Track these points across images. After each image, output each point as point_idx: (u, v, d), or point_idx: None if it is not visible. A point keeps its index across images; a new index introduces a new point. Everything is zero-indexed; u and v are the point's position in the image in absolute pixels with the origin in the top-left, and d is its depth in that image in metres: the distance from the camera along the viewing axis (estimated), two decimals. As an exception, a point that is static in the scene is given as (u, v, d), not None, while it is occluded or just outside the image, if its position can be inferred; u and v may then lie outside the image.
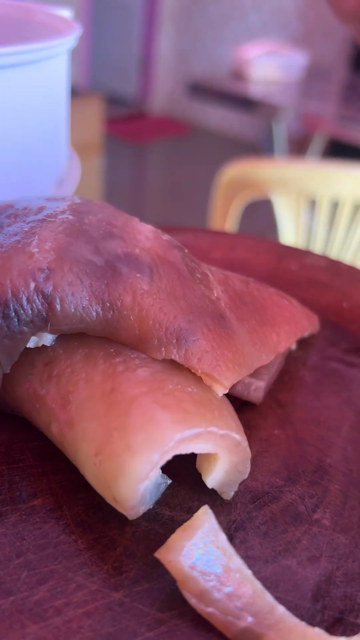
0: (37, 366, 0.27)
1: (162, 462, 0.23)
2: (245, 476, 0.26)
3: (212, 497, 0.27)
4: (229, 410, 0.26)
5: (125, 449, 0.23)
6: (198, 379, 0.26)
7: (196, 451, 0.24)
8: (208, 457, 0.26)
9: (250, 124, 3.66)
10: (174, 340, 0.26)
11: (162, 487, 0.26)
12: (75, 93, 1.88)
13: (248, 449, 0.25)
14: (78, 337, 0.27)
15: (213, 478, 0.26)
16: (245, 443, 0.25)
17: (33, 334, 0.26)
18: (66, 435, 0.25)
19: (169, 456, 0.23)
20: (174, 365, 0.26)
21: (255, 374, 0.33)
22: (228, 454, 0.25)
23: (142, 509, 0.24)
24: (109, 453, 0.23)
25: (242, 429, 0.26)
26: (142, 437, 0.23)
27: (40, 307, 0.25)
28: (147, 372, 0.25)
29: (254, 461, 0.29)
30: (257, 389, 0.32)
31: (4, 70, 0.36)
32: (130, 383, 0.24)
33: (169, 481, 0.26)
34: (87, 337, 0.27)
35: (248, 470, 0.26)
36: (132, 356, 0.26)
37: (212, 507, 0.24)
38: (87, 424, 0.24)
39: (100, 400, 0.24)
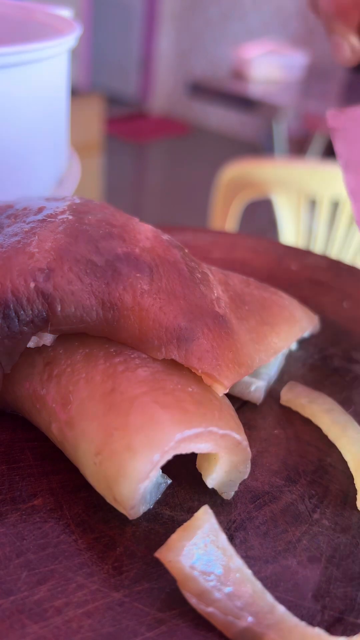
0: (38, 366, 0.27)
1: (163, 461, 0.23)
2: (246, 476, 0.26)
3: (212, 497, 0.27)
4: (229, 410, 0.26)
5: (126, 449, 0.23)
6: (198, 379, 0.26)
7: (196, 451, 0.24)
8: (208, 457, 0.26)
9: (250, 123, 3.66)
10: (174, 340, 0.26)
11: (163, 487, 0.26)
12: (76, 93, 1.88)
13: (248, 449, 0.25)
14: (78, 337, 0.27)
15: (213, 478, 0.26)
16: (246, 443, 0.25)
17: (33, 334, 0.26)
18: (66, 435, 0.25)
19: (169, 456, 0.23)
20: (174, 365, 0.26)
21: (255, 374, 0.33)
22: (228, 453, 0.25)
23: (143, 509, 0.24)
24: (110, 453, 0.23)
25: (242, 429, 0.26)
26: (142, 437, 0.23)
27: (40, 307, 0.25)
28: (148, 371, 0.25)
29: (254, 461, 0.29)
30: (257, 389, 0.32)
31: (4, 70, 0.36)
32: (131, 383, 0.24)
33: (169, 481, 0.26)
34: (88, 337, 0.27)
35: (248, 470, 0.26)
36: (132, 356, 0.26)
37: (212, 507, 0.24)
38: (88, 424, 0.24)
39: (101, 400, 0.24)
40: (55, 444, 0.27)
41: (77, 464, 0.25)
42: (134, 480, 0.22)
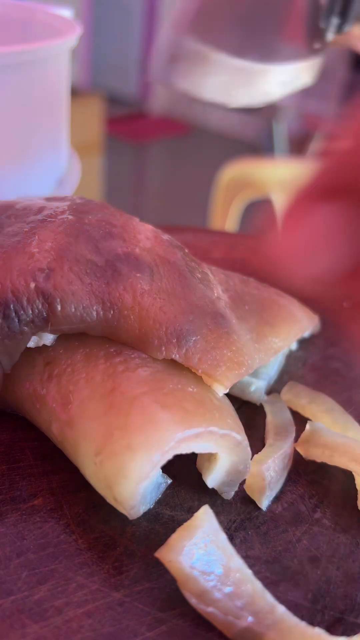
0: (38, 366, 0.27)
1: (163, 461, 0.23)
2: (246, 476, 0.26)
3: (212, 497, 0.27)
4: (229, 410, 0.26)
5: (126, 449, 0.23)
6: (199, 379, 0.26)
7: (197, 450, 0.24)
8: (208, 457, 0.26)
9: (250, 123, 3.66)
10: (174, 340, 0.26)
11: (163, 487, 0.26)
12: (76, 93, 1.88)
13: (248, 449, 0.25)
14: (78, 337, 0.27)
15: (213, 478, 0.26)
16: (246, 443, 0.25)
17: (33, 334, 0.26)
18: (67, 435, 0.25)
19: (169, 455, 0.23)
20: (174, 365, 0.26)
21: (255, 374, 0.33)
22: (228, 453, 0.25)
23: (143, 509, 0.24)
24: (110, 453, 0.23)
25: (242, 429, 0.26)
26: (142, 437, 0.23)
27: (40, 307, 0.25)
28: (148, 371, 0.25)
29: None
30: (257, 390, 0.32)
31: (4, 70, 0.36)
32: (131, 383, 0.25)
33: (169, 481, 0.26)
34: (88, 337, 0.27)
35: (248, 470, 0.26)
36: (132, 356, 0.26)
37: (212, 507, 0.24)
38: (88, 424, 0.24)
39: (101, 400, 0.24)
40: (56, 444, 0.27)
41: (77, 464, 0.25)
42: (135, 481, 0.22)
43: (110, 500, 0.24)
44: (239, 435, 0.25)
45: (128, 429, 0.23)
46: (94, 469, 0.24)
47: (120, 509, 0.24)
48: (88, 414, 0.24)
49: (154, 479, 0.25)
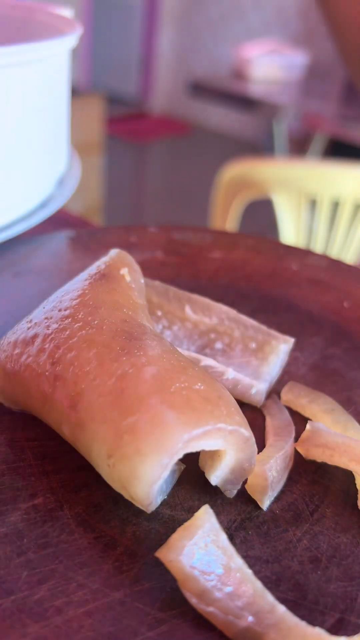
0: (44, 366, 0.27)
1: (173, 462, 0.23)
2: (250, 474, 0.26)
3: (212, 497, 0.27)
4: (235, 406, 0.26)
5: (136, 453, 0.23)
6: (206, 376, 0.26)
7: (206, 448, 0.24)
8: (212, 454, 0.26)
9: (250, 123, 3.66)
10: None
11: (177, 474, 0.26)
12: (76, 92, 1.88)
13: (255, 446, 0.25)
14: (86, 338, 0.27)
15: (217, 475, 0.26)
16: (253, 439, 0.25)
17: None
18: (78, 437, 0.25)
19: (179, 456, 0.23)
20: (181, 363, 0.26)
21: (257, 375, 0.33)
22: (236, 450, 0.25)
23: (160, 499, 0.25)
24: (120, 456, 0.23)
25: (249, 426, 0.25)
26: (151, 441, 0.23)
27: None
28: (154, 370, 0.25)
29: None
30: (258, 392, 0.32)
31: (5, 69, 0.36)
32: (138, 382, 0.24)
33: (183, 466, 0.26)
34: (94, 337, 0.27)
35: (253, 467, 0.26)
36: (139, 354, 0.26)
37: (212, 507, 0.24)
38: (97, 426, 0.24)
39: (109, 401, 0.24)
40: (69, 443, 0.27)
41: (92, 464, 0.25)
42: (147, 483, 0.23)
43: (127, 497, 0.24)
44: (247, 432, 0.25)
45: (136, 433, 0.23)
46: (107, 470, 0.24)
47: (137, 505, 0.24)
48: (97, 417, 0.24)
49: (168, 472, 0.25)
